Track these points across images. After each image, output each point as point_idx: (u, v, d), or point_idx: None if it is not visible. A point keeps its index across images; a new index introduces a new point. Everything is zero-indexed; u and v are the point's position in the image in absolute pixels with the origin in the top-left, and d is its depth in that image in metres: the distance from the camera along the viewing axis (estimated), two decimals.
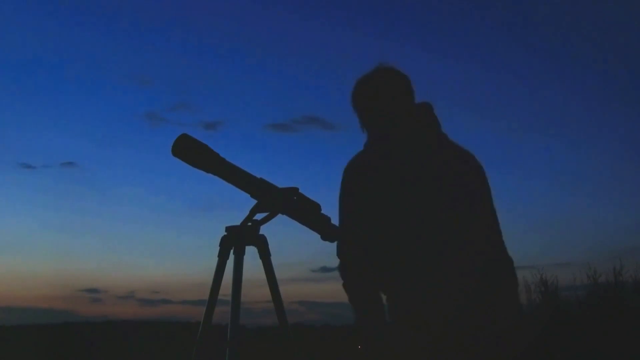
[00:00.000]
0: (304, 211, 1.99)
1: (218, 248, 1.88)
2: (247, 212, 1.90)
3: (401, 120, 1.90)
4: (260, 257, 1.89)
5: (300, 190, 1.96)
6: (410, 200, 1.78)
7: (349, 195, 1.86)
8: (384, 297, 1.89)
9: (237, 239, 1.87)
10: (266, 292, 1.89)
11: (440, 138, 1.93)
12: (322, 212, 2.02)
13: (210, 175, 1.88)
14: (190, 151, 1.83)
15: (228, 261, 1.86)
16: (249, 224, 1.90)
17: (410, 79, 1.99)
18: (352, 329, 1.89)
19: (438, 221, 1.77)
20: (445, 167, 1.85)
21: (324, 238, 2.05)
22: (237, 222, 1.89)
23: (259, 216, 1.92)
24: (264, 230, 1.91)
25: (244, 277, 1.85)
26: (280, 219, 1.95)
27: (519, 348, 1.68)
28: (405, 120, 1.90)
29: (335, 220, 2.04)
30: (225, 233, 1.89)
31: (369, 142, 1.97)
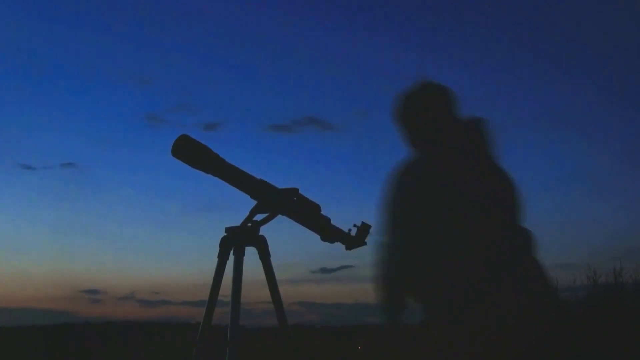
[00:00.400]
0: (304, 212, 1.99)
1: (218, 249, 1.88)
2: (247, 213, 1.91)
3: (445, 133, 1.92)
4: (260, 258, 1.90)
5: (300, 191, 1.97)
6: (453, 208, 1.79)
7: (397, 200, 1.84)
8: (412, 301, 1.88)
9: (236, 240, 1.87)
10: (266, 292, 1.90)
11: (483, 154, 1.94)
12: (322, 212, 2.02)
13: (210, 176, 1.88)
14: (190, 152, 1.84)
15: (228, 262, 1.87)
16: (249, 224, 1.90)
17: (453, 92, 2.02)
18: (377, 329, 1.88)
19: (479, 228, 1.80)
20: (488, 179, 1.88)
21: (323, 239, 2.05)
22: (237, 223, 1.90)
23: (258, 217, 1.92)
24: (263, 231, 1.92)
25: (243, 277, 1.85)
26: (280, 219, 1.95)
27: (520, 348, 1.68)
28: (449, 133, 1.92)
29: (335, 221, 2.05)
30: (225, 234, 1.89)
31: (414, 152, 1.97)
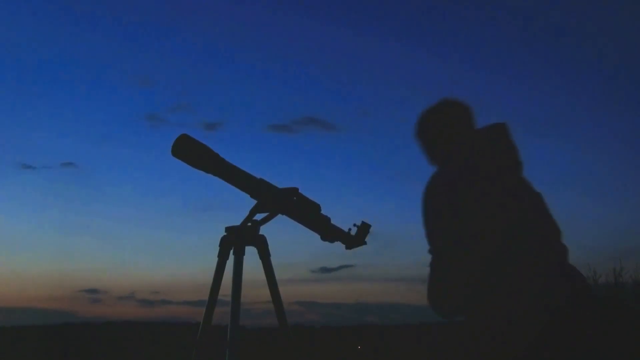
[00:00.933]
0: (304, 211, 1.99)
1: (218, 248, 1.88)
2: (247, 213, 1.90)
3: (464, 148, 1.95)
4: (260, 258, 1.89)
5: (300, 191, 1.97)
6: (507, 212, 1.81)
7: (428, 213, 1.86)
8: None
9: (236, 239, 1.87)
10: (266, 292, 1.89)
11: (506, 162, 1.96)
12: (322, 212, 2.02)
13: (210, 175, 1.88)
14: (190, 151, 1.83)
15: (228, 261, 1.87)
16: (249, 224, 1.90)
17: (470, 107, 2.08)
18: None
19: (534, 231, 1.82)
20: (521, 184, 1.91)
21: (323, 238, 2.05)
22: (237, 223, 1.89)
23: (258, 216, 1.92)
24: (263, 230, 1.92)
25: (243, 277, 1.85)
26: (280, 219, 1.95)
27: (519, 347, 1.68)
28: (468, 147, 1.96)
29: (335, 221, 2.05)
30: (225, 233, 1.89)
31: (444, 165, 1.99)
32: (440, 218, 1.84)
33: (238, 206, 1.96)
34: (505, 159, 1.96)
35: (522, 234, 1.82)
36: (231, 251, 1.87)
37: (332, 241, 2.05)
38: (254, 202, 1.91)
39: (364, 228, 2.05)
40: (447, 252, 1.80)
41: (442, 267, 1.81)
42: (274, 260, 1.90)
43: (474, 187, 1.83)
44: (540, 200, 1.94)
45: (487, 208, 1.80)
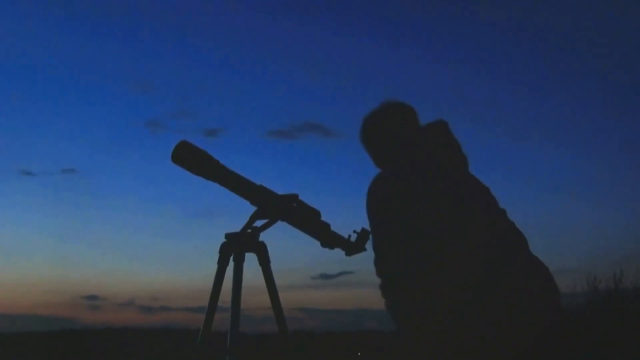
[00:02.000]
0: (304, 218, 1.99)
1: (218, 255, 1.88)
2: (246, 219, 1.91)
3: (416, 142, 1.95)
4: (260, 264, 1.90)
5: (300, 197, 1.97)
6: (454, 210, 1.80)
7: (390, 214, 1.84)
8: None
9: (236, 246, 1.87)
10: (266, 298, 1.90)
11: (450, 158, 1.96)
12: (322, 218, 2.02)
13: (210, 182, 1.88)
14: (190, 158, 1.84)
15: (228, 268, 1.87)
16: (249, 230, 1.90)
17: (412, 108, 2.08)
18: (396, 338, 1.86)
19: (488, 227, 1.81)
20: (470, 180, 1.91)
21: (323, 245, 2.05)
22: (237, 229, 1.90)
23: (258, 223, 1.92)
24: (263, 237, 1.92)
25: (243, 283, 1.85)
26: (280, 225, 1.96)
27: (519, 350, 1.68)
28: (420, 141, 1.95)
29: (335, 227, 2.05)
30: (225, 240, 1.89)
31: (390, 167, 1.98)
32: (393, 223, 1.80)
33: (238, 213, 1.97)
34: (450, 155, 1.95)
35: (494, 231, 1.80)
36: (231, 258, 1.87)
37: (332, 248, 2.06)
38: (253, 208, 1.92)
39: (364, 234, 2.05)
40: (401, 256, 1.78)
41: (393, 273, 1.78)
42: (273, 266, 1.91)
43: (424, 186, 1.81)
44: (490, 194, 1.93)
45: (454, 208, 1.79)
